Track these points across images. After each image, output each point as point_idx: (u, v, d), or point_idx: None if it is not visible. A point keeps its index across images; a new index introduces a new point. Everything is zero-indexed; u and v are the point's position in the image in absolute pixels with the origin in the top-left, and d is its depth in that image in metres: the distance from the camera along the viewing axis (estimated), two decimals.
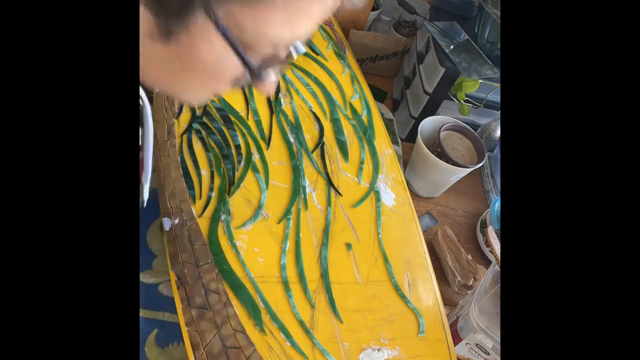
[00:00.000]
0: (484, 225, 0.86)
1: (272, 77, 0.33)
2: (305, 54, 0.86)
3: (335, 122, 0.77)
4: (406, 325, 0.57)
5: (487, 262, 0.85)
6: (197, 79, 0.32)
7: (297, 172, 0.67)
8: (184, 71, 0.31)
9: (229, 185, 0.62)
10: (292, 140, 0.71)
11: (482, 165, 0.97)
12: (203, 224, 0.58)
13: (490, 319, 0.57)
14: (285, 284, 0.56)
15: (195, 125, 0.68)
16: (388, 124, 1.03)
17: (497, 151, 0.97)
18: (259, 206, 0.61)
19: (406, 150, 0.98)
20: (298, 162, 0.68)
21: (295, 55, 0.32)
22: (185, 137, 0.66)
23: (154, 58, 0.31)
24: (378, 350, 0.54)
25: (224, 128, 0.68)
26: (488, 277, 0.61)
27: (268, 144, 0.69)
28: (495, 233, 0.70)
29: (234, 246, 0.57)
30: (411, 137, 0.99)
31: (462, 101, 0.92)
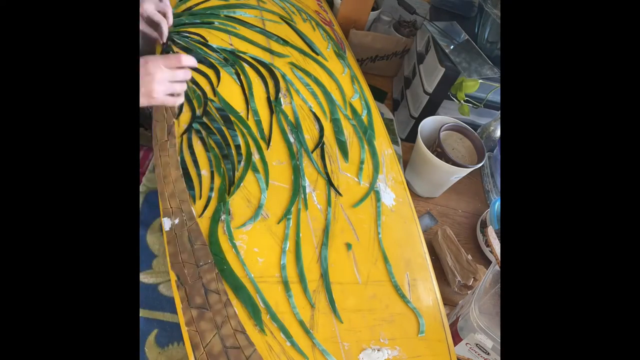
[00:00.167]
0: (484, 225, 0.86)
1: None
2: (305, 54, 0.87)
3: (335, 122, 0.77)
4: (406, 325, 0.57)
5: (487, 262, 0.85)
6: None
7: (297, 172, 0.67)
8: None
9: (229, 185, 0.62)
10: (292, 140, 0.71)
11: (482, 165, 0.97)
12: (203, 224, 0.58)
13: (490, 319, 0.57)
14: (285, 284, 0.56)
15: (195, 125, 0.68)
16: (388, 124, 1.03)
17: (497, 151, 0.97)
18: (259, 206, 0.61)
19: (406, 150, 0.98)
20: (298, 162, 0.68)
21: None
22: (185, 137, 0.66)
23: None
24: (378, 350, 0.54)
25: (224, 128, 0.68)
26: (488, 277, 0.61)
27: (268, 144, 0.69)
28: (495, 233, 0.70)
29: (234, 246, 0.57)
30: (411, 137, 0.99)
31: (462, 101, 0.92)
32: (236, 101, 0.73)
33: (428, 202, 0.92)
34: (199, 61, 0.74)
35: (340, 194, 0.67)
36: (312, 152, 0.71)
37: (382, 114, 0.87)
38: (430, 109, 0.94)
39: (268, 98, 0.76)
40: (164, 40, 0.70)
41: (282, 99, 0.76)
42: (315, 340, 0.52)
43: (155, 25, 0.70)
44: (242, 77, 0.77)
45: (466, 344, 0.60)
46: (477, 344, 0.59)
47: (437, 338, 0.57)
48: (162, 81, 0.57)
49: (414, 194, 0.92)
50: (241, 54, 0.80)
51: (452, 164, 0.81)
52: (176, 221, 0.57)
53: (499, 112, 0.97)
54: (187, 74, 0.60)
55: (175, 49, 0.76)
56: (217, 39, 0.81)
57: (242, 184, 0.63)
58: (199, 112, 0.69)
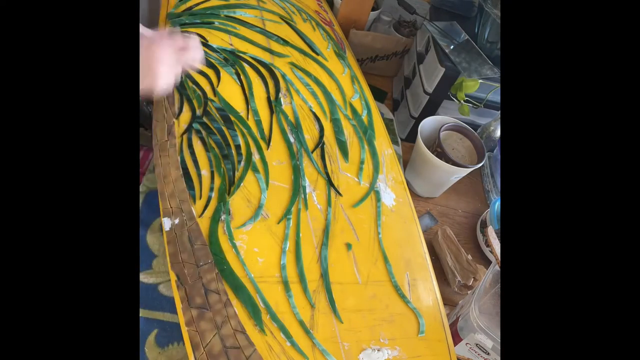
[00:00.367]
0: (484, 225, 0.86)
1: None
2: (306, 54, 0.87)
3: (336, 122, 0.77)
4: (406, 325, 0.57)
5: (487, 262, 0.85)
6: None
7: (297, 172, 0.67)
8: None
9: (229, 185, 0.62)
10: (292, 140, 0.71)
11: (482, 165, 0.97)
12: (203, 224, 0.58)
13: (490, 319, 0.57)
14: (285, 284, 0.56)
15: (196, 125, 0.68)
16: (388, 124, 1.03)
17: (497, 151, 0.97)
18: (259, 206, 0.61)
19: (406, 150, 0.98)
20: (298, 162, 0.68)
21: None
22: (185, 137, 0.66)
23: None
24: (378, 350, 0.54)
25: (224, 128, 0.68)
26: (488, 277, 0.61)
27: (268, 144, 0.69)
28: (495, 233, 0.70)
29: (234, 246, 0.57)
30: (411, 137, 0.99)
31: (462, 101, 0.92)
32: (236, 101, 0.73)
33: (428, 202, 0.92)
34: None
35: (340, 194, 0.67)
36: (312, 152, 0.71)
37: (382, 114, 0.87)
38: (430, 109, 0.94)
39: (268, 98, 0.76)
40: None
41: (282, 99, 0.76)
42: (315, 340, 0.52)
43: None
44: (242, 77, 0.77)
45: (466, 344, 0.60)
46: (477, 344, 0.59)
47: (437, 338, 0.57)
48: (168, 61, 0.56)
49: (414, 194, 0.92)
50: (241, 54, 0.80)
51: (452, 164, 0.81)
52: (176, 221, 0.57)
53: (499, 112, 0.97)
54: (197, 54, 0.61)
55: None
56: (217, 39, 0.81)
57: (242, 184, 0.63)
58: (199, 112, 0.69)
